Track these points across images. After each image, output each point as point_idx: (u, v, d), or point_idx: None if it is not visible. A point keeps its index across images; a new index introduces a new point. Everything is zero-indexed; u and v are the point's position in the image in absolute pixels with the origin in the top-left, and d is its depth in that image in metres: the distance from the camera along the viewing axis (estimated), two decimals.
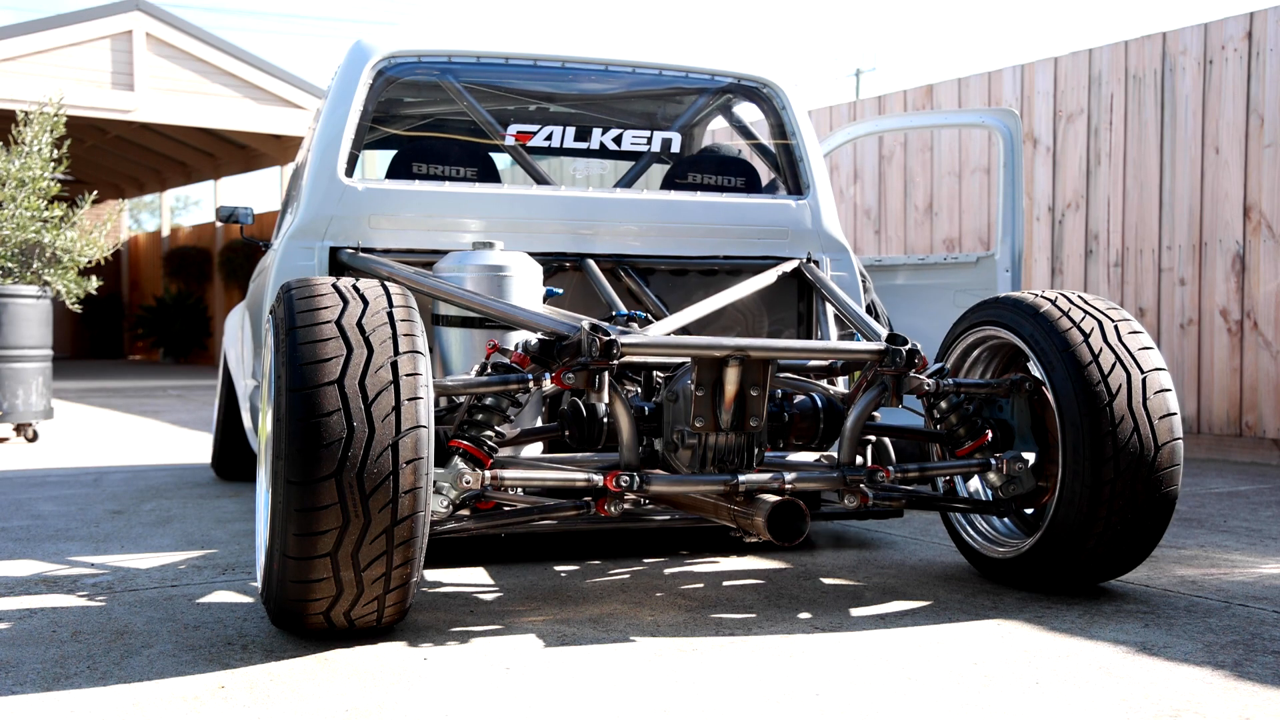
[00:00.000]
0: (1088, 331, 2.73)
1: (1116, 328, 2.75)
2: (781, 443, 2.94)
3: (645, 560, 3.27)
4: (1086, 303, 2.84)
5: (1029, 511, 2.93)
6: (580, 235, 3.48)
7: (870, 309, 4.16)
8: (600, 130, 3.72)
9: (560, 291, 3.26)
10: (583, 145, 3.70)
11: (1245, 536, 3.67)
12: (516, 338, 2.96)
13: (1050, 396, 2.74)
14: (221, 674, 2.21)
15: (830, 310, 3.48)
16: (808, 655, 2.35)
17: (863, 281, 4.27)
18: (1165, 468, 2.65)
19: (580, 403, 2.79)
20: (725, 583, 2.99)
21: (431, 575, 3.06)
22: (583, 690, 2.13)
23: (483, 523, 2.66)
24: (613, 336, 2.53)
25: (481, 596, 2.87)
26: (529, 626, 2.55)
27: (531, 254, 3.19)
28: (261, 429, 2.78)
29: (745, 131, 4.14)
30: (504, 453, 2.71)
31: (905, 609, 2.73)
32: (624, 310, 3.16)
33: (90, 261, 7.08)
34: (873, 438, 2.92)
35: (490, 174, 3.65)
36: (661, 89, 3.97)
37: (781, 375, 3.02)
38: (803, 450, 2.97)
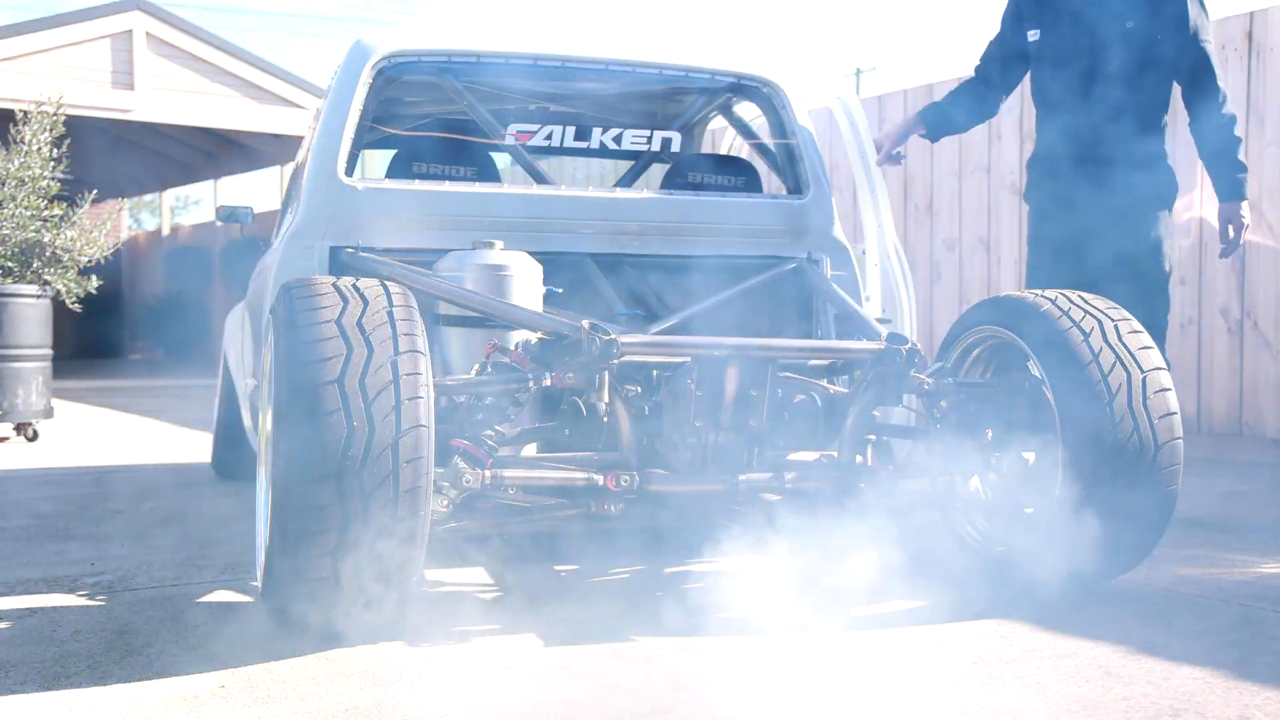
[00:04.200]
0: (1088, 331, 2.73)
1: (1116, 327, 2.75)
2: (781, 442, 2.94)
3: (645, 560, 3.27)
4: (1086, 302, 2.83)
5: (1029, 511, 2.93)
6: (580, 235, 3.47)
7: None
8: (600, 129, 3.72)
9: (560, 291, 3.26)
10: (583, 144, 3.70)
11: (1245, 536, 3.67)
12: (516, 337, 2.96)
13: (1050, 396, 2.74)
14: (221, 674, 2.21)
15: (830, 310, 3.48)
16: (808, 654, 2.35)
17: None
18: (1165, 467, 2.65)
19: (580, 402, 2.79)
20: (725, 582, 2.99)
21: (431, 575, 3.06)
22: (583, 690, 2.13)
23: (483, 522, 2.66)
24: (613, 336, 2.53)
25: (481, 596, 2.87)
26: (529, 626, 2.55)
27: (531, 254, 3.19)
28: (261, 428, 2.78)
29: (745, 131, 4.14)
30: (504, 452, 2.71)
31: (905, 608, 2.73)
32: (624, 310, 3.16)
33: (90, 261, 7.07)
34: (873, 437, 2.92)
35: (490, 173, 3.65)
36: (661, 88, 3.97)
37: (781, 375, 3.02)
38: (803, 450, 2.97)
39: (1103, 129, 3.61)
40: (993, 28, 4.13)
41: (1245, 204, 3.64)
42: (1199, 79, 3.63)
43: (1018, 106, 6.89)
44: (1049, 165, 3.78)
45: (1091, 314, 2.78)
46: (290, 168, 12.16)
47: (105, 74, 13.32)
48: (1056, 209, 3.74)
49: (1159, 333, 3.57)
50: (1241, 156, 3.65)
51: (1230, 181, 3.64)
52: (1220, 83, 3.63)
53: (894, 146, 3.94)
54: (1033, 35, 3.73)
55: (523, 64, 3.62)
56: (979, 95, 3.95)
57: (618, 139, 3.74)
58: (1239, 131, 3.67)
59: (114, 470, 5.42)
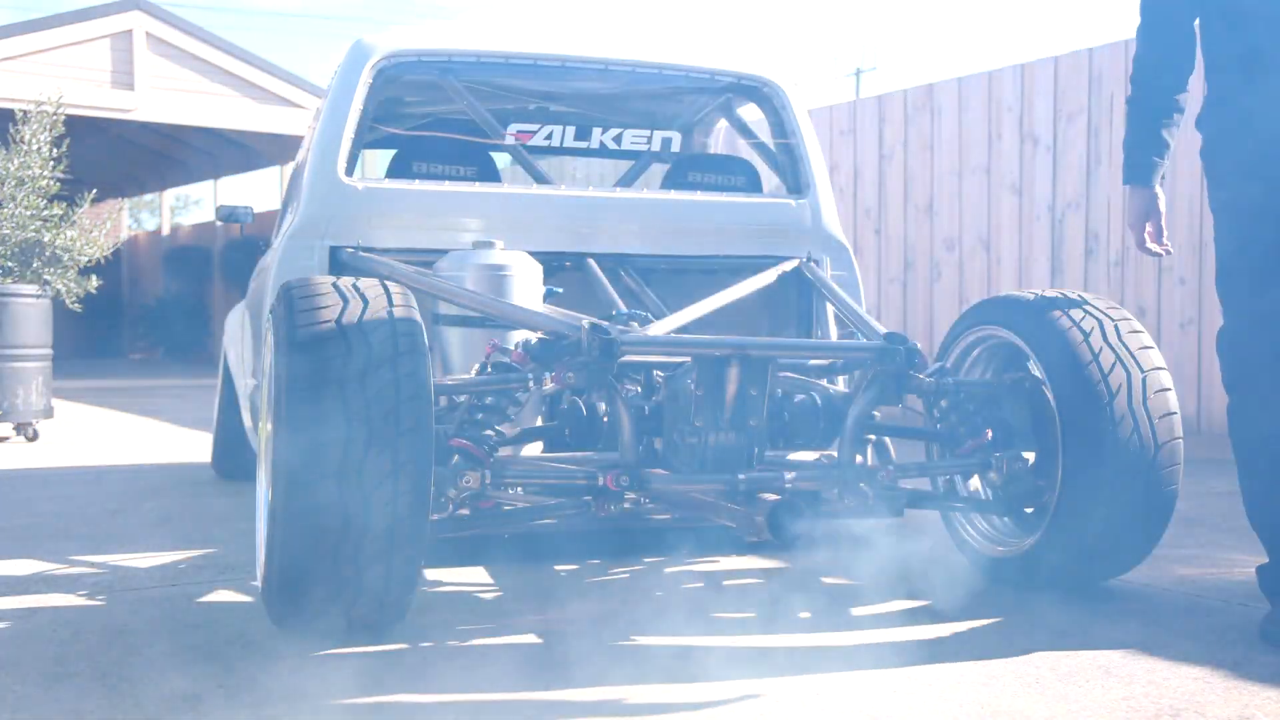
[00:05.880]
0: (1088, 331, 2.73)
1: (1116, 327, 2.75)
2: (781, 442, 2.94)
3: (645, 560, 3.27)
4: (1087, 302, 2.83)
5: (1029, 510, 2.93)
6: (580, 235, 3.48)
7: None
8: (600, 129, 3.72)
9: (560, 291, 3.26)
10: (583, 144, 3.70)
11: (1245, 536, 3.66)
12: (516, 337, 2.96)
13: (1050, 396, 2.74)
14: (221, 674, 2.21)
15: (830, 310, 3.48)
16: (807, 655, 2.35)
17: None
18: (1165, 467, 2.65)
19: (580, 402, 2.79)
20: (725, 582, 2.99)
21: (431, 575, 3.06)
22: (583, 690, 2.13)
23: (483, 523, 2.66)
24: (613, 336, 2.53)
25: (481, 596, 2.87)
26: (529, 626, 2.55)
27: (531, 253, 3.19)
28: (261, 428, 2.78)
29: (745, 131, 4.14)
30: (504, 452, 2.71)
31: (905, 608, 2.73)
32: (624, 310, 3.16)
33: (90, 261, 7.08)
34: (873, 437, 2.92)
35: (490, 173, 3.65)
36: (661, 88, 3.97)
37: (781, 375, 3.02)
38: (803, 450, 2.97)
39: None
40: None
41: None
42: None
43: (1017, 106, 6.90)
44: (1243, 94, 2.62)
45: (1091, 314, 2.78)
46: (290, 168, 12.16)
47: (105, 74, 13.32)
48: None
49: None
50: None
51: None
52: None
53: (1159, 233, 2.93)
54: None
55: (523, 64, 3.62)
56: (1172, 52, 2.83)
57: (618, 139, 3.75)
58: None
59: (114, 470, 5.42)
